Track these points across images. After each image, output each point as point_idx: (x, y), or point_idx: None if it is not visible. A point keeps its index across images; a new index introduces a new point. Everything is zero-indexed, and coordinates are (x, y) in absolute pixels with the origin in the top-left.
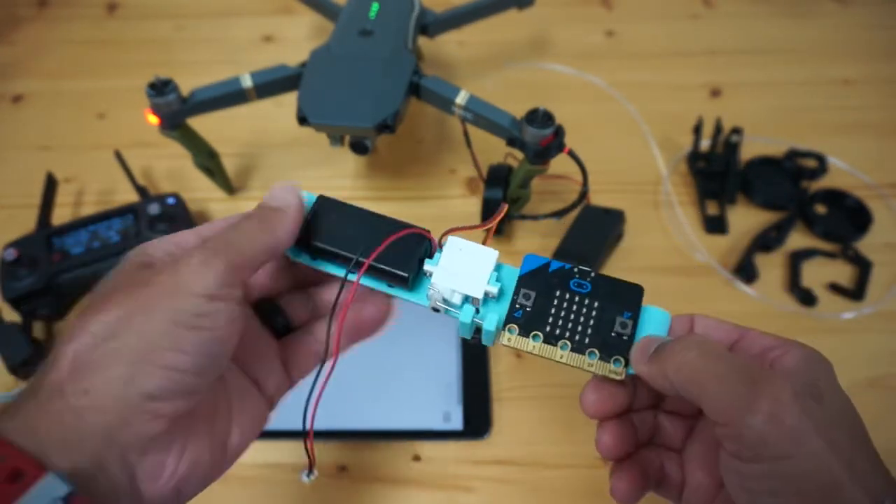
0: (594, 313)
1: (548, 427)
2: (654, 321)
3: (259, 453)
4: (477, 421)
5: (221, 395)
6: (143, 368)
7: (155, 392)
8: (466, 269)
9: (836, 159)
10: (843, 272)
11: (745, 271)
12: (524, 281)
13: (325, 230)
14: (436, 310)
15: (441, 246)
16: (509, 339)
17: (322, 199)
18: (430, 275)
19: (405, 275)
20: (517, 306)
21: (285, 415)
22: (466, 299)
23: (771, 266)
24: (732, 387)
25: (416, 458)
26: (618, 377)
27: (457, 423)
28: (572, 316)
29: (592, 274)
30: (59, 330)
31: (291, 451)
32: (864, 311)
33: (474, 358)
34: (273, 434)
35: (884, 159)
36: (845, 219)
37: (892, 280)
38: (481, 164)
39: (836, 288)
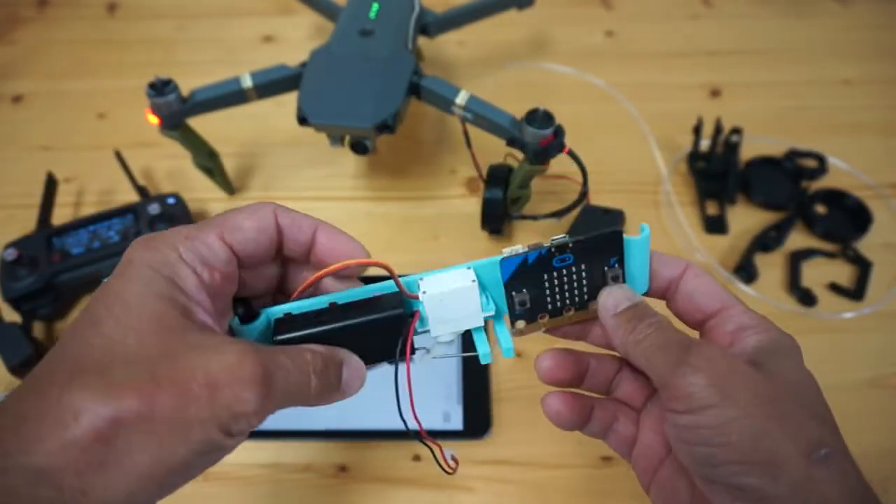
0: (584, 274)
1: (548, 427)
2: (636, 251)
3: (259, 453)
4: (477, 421)
5: None
6: (148, 487)
7: (146, 503)
8: (456, 309)
9: (836, 159)
10: (843, 272)
11: (745, 271)
12: (511, 285)
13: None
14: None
15: (419, 297)
16: (522, 332)
17: None
18: (433, 335)
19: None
20: (516, 309)
21: (285, 415)
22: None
23: (771, 266)
24: (669, 351)
25: (416, 458)
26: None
27: (457, 423)
28: (566, 286)
29: (570, 244)
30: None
31: (291, 451)
32: (863, 311)
33: (474, 358)
34: (273, 434)
35: (884, 159)
36: (845, 219)
37: (892, 280)
38: (481, 164)
39: (835, 288)
